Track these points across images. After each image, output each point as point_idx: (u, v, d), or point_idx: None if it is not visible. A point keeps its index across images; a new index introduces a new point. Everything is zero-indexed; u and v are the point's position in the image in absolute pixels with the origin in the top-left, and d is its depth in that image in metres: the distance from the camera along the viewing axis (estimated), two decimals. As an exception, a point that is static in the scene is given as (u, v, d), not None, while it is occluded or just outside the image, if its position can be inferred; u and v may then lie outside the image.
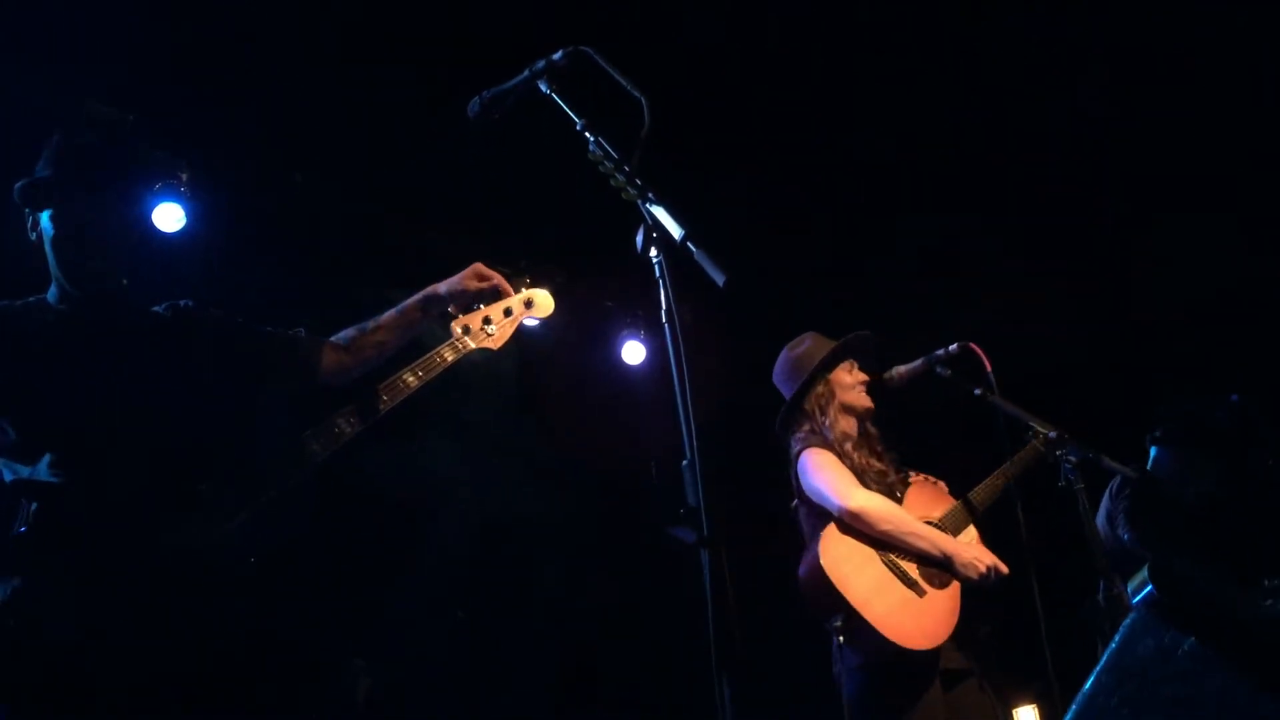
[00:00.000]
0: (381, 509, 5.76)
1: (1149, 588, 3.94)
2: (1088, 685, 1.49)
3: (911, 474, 4.16)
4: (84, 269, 2.75)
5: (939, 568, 3.84)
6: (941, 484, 4.17)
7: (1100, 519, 4.35)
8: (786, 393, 4.24)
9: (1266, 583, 3.91)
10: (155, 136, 4.94)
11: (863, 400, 4.13)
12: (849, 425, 4.12)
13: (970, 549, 3.87)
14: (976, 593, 3.90)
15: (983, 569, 3.79)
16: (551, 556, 6.41)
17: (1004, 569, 3.82)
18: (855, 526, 3.78)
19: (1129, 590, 4.03)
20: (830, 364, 4.17)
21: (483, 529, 6.14)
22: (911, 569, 3.81)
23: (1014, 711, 6.88)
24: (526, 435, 6.26)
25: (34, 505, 2.58)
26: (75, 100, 4.64)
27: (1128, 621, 1.50)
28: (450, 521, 6.03)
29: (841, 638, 3.64)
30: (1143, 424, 4.65)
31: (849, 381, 4.15)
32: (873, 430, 4.20)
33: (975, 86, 5.56)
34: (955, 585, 3.84)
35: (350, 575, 5.61)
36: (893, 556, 3.81)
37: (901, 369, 4.01)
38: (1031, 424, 3.52)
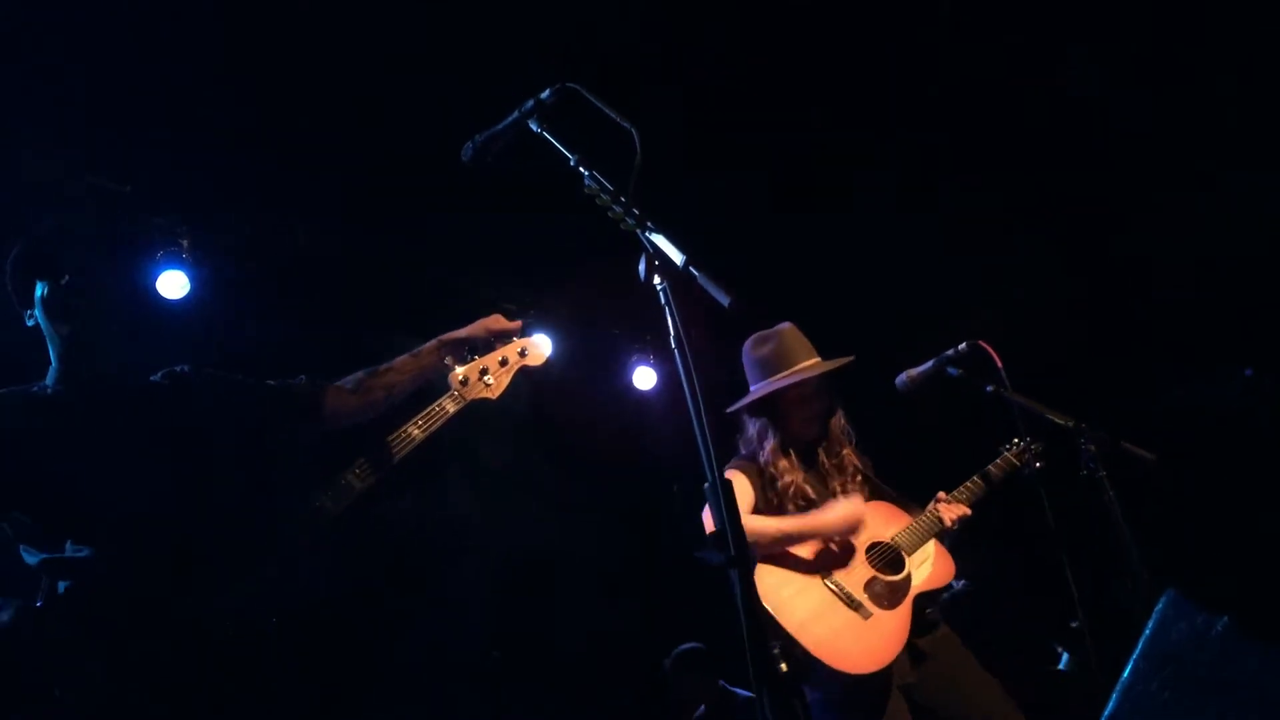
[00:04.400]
0: (408, 556, 5.77)
1: None
2: (1125, 674, 1.50)
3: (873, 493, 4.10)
4: (80, 341, 2.77)
5: (837, 549, 3.82)
6: (901, 510, 4.09)
7: None
8: (749, 381, 4.17)
9: None
10: (155, 204, 5.04)
11: (808, 432, 4.07)
12: (794, 448, 4.06)
13: (835, 511, 3.81)
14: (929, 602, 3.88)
15: (848, 523, 3.77)
16: (581, 589, 6.40)
17: (858, 513, 3.79)
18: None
19: None
20: (782, 389, 4.06)
21: (510, 567, 6.15)
22: (857, 590, 3.74)
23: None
24: (545, 469, 6.27)
25: (60, 583, 2.60)
26: (72, 174, 4.75)
27: (1159, 606, 1.51)
28: (477, 563, 6.04)
29: (783, 664, 3.52)
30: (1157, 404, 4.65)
31: (797, 410, 4.07)
32: (837, 429, 4.13)
33: (968, 62, 5.57)
34: (906, 604, 3.78)
35: (382, 624, 5.62)
36: (837, 578, 3.75)
37: (913, 372, 4.00)
38: (1047, 415, 3.52)
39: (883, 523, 4.00)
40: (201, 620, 2.58)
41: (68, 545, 2.61)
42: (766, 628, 3.49)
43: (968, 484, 4.14)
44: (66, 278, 2.74)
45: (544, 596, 6.39)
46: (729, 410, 4.16)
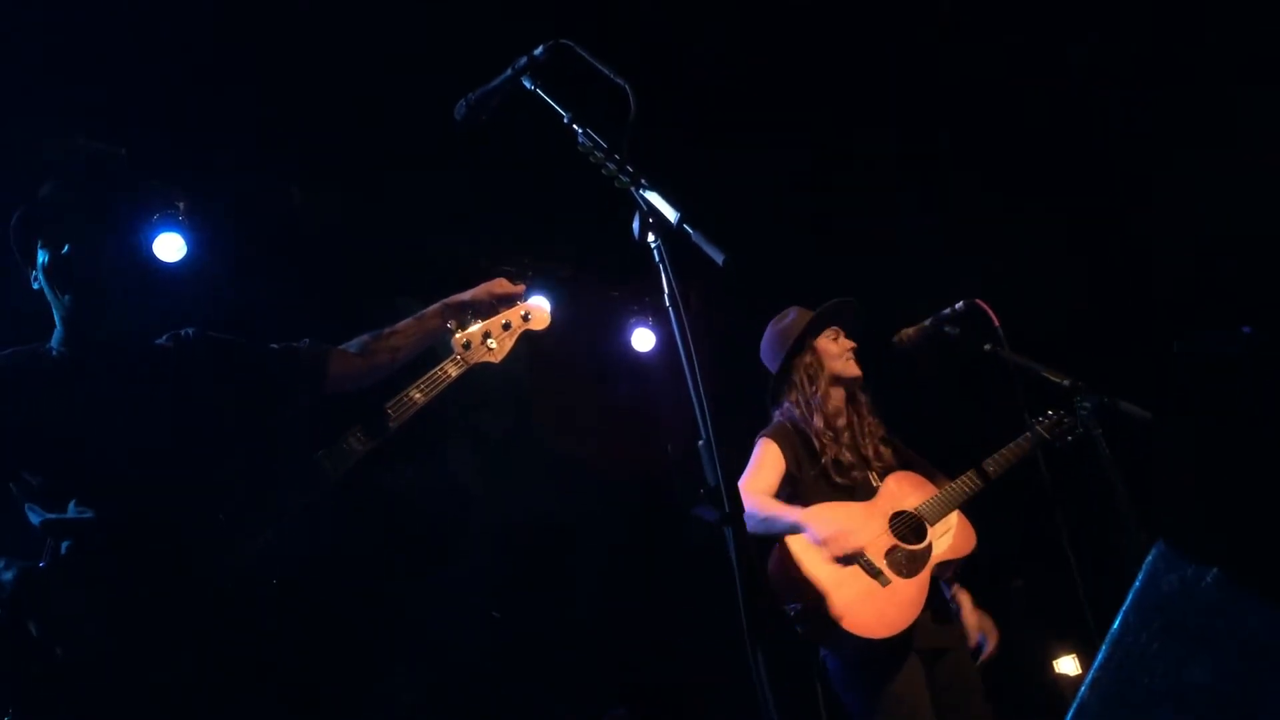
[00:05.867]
0: (410, 520, 5.79)
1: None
2: (1115, 627, 1.51)
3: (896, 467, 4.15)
4: (84, 307, 2.78)
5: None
6: (927, 479, 4.13)
7: None
8: (773, 367, 4.26)
9: None
10: (150, 166, 5.02)
11: (850, 369, 4.14)
12: (839, 398, 4.14)
13: (829, 526, 3.79)
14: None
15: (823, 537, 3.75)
16: (580, 549, 6.43)
17: (847, 548, 3.75)
18: (748, 501, 3.73)
19: None
20: (814, 332, 4.18)
21: (510, 530, 6.16)
22: (877, 558, 3.80)
23: (1055, 662, 6.89)
24: (544, 433, 6.28)
25: (63, 543, 2.62)
26: (65, 137, 4.72)
27: (1149, 559, 1.52)
28: (478, 526, 6.06)
29: (799, 627, 3.65)
30: (1157, 364, 4.64)
31: (835, 350, 4.17)
32: (863, 398, 4.20)
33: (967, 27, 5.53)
34: (925, 573, 3.84)
35: (384, 586, 5.64)
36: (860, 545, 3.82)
37: (910, 331, 4.01)
38: (1044, 375, 3.52)
39: (909, 492, 4.05)
40: (203, 582, 2.59)
41: (71, 506, 2.63)
42: (795, 586, 3.67)
43: (997, 456, 4.13)
44: (66, 247, 2.74)
45: (546, 560, 6.40)
46: (770, 392, 4.24)
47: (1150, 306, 6.50)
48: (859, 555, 3.79)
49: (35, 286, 2.83)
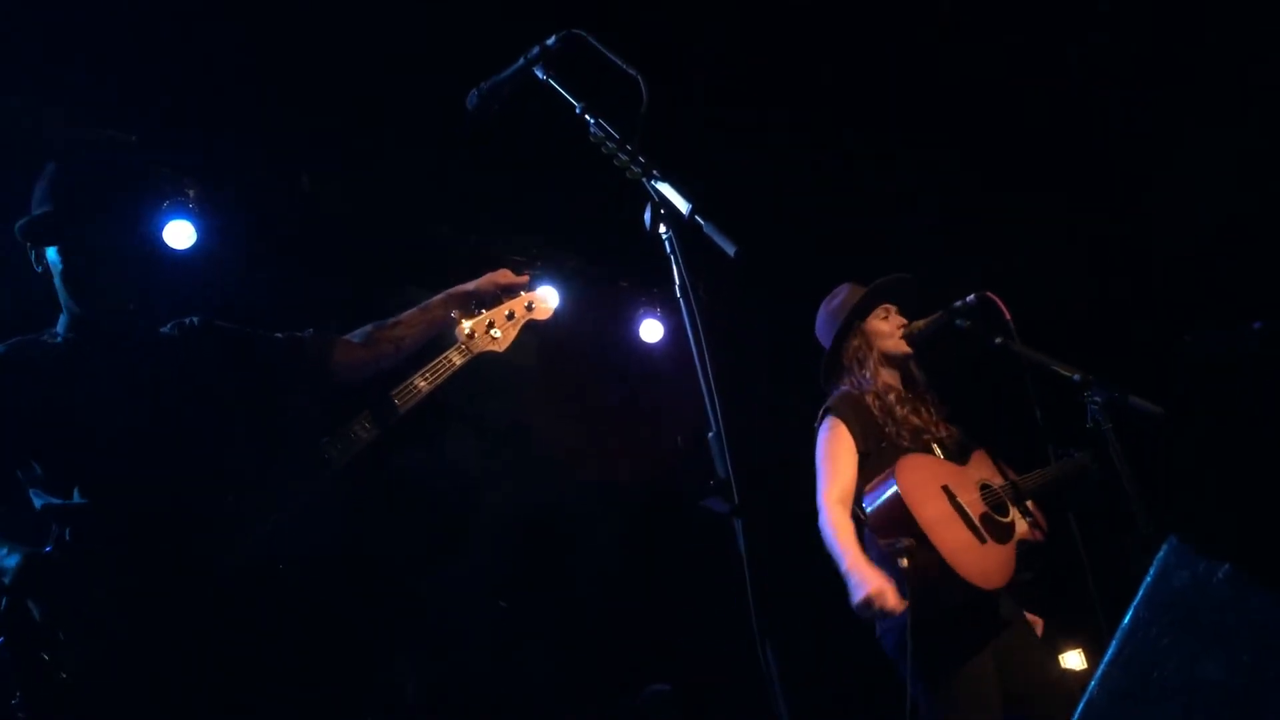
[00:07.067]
0: (412, 512, 5.79)
1: None
2: (1125, 621, 1.51)
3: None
4: (91, 297, 2.78)
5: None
6: (995, 469, 4.06)
7: None
8: (827, 345, 4.21)
9: None
10: (160, 153, 5.01)
11: (901, 347, 4.06)
12: (891, 377, 4.08)
13: (871, 578, 3.59)
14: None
15: (860, 597, 3.55)
16: (587, 540, 6.43)
17: (889, 606, 3.54)
18: (823, 515, 3.75)
19: None
20: (863, 312, 4.13)
21: (517, 519, 6.16)
22: (975, 515, 3.76)
23: (1060, 656, 6.88)
24: (549, 423, 6.27)
25: (65, 529, 2.63)
26: (74, 124, 4.72)
27: (1160, 555, 1.51)
28: (484, 515, 6.06)
29: (905, 560, 3.54)
30: (1157, 361, 4.61)
31: (886, 329, 4.09)
32: (919, 376, 4.15)
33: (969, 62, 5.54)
34: (1012, 544, 3.80)
35: (390, 575, 5.65)
36: (960, 500, 3.77)
37: (920, 323, 4.01)
38: (1055, 368, 3.51)
39: (990, 469, 4.02)
40: (207, 570, 2.60)
41: (75, 493, 2.63)
42: (906, 522, 3.60)
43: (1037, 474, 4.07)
44: (70, 248, 2.75)
45: (548, 553, 6.40)
46: (824, 363, 4.19)
47: (1149, 305, 6.49)
48: (962, 507, 3.75)
49: (39, 269, 2.83)
